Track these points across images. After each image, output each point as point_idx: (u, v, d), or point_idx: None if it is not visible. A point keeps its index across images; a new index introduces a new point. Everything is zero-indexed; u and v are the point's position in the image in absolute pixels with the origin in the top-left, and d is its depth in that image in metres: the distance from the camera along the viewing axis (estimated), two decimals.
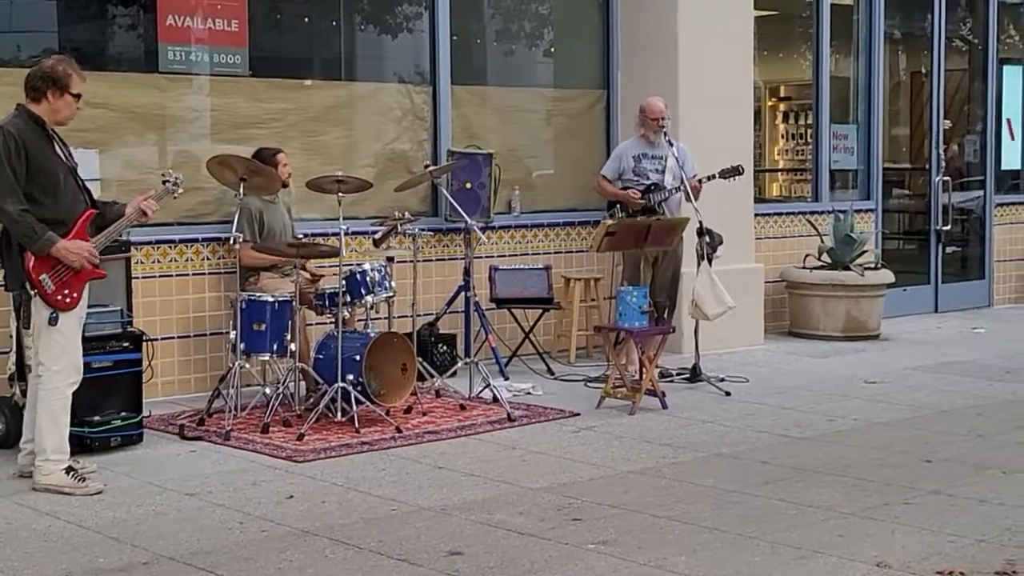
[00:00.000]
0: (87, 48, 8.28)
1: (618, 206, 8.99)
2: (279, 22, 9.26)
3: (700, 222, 8.48)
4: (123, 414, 6.73)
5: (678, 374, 8.81)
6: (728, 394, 8.33)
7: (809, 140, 12.40)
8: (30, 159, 5.87)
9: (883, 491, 5.97)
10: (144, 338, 7.05)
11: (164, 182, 6.42)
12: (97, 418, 6.59)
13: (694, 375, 8.69)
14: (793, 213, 11.57)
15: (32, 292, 5.89)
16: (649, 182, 8.93)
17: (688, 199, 8.66)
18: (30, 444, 6.11)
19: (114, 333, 6.80)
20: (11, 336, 6.69)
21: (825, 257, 11.09)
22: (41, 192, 5.90)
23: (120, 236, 6.42)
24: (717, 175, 8.82)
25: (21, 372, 6.58)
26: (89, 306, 6.43)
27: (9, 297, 6.65)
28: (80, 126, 7.54)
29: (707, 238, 8.49)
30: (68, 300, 5.94)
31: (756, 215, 10.74)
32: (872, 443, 7.01)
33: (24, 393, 6.57)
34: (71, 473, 5.92)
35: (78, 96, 6.05)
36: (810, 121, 12.33)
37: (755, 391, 8.49)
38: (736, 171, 8.86)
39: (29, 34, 8.21)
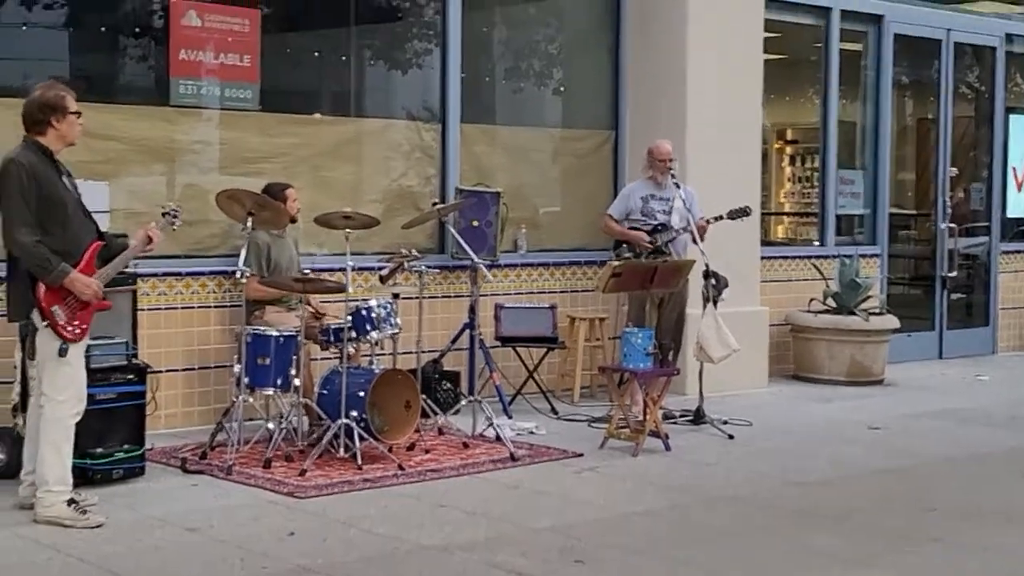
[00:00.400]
0: (97, 79, 8.35)
1: (624, 246, 9.01)
2: (289, 57, 9.31)
3: (706, 264, 8.50)
4: (126, 446, 6.71)
5: (681, 416, 8.80)
6: (731, 437, 8.32)
7: (815, 184, 12.43)
8: (41, 189, 5.90)
9: (886, 537, 5.95)
10: (148, 370, 7.04)
11: (164, 214, 6.44)
12: (100, 450, 6.57)
13: (698, 417, 8.68)
14: (799, 257, 11.58)
15: (43, 323, 5.90)
16: (656, 222, 8.95)
17: (695, 241, 8.68)
18: (31, 476, 6.10)
19: (119, 365, 6.80)
20: (15, 367, 6.68)
21: (830, 301, 11.09)
22: (52, 222, 5.93)
23: (127, 267, 6.42)
24: (725, 215, 8.86)
25: (25, 403, 6.56)
26: (94, 337, 6.44)
27: (15, 327, 6.68)
28: (89, 157, 7.60)
29: (713, 280, 8.51)
30: (78, 331, 5.97)
31: (762, 258, 10.74)
32: (875, 489, 7.00)
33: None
34: (72, 505, 5.90)
35: (78, 113, 6.10)
36: (816, 164, 12.37)
37: (758, 434, 8.47)
38: (743, 212, 8.90)
39: (39, 63, 8.26)
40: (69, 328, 5.94)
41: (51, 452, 5.94)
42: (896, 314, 11.28)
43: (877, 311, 11.10)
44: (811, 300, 11.19)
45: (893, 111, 12.49)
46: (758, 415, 9.12)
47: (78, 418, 6.04)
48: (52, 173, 6.00)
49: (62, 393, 5.96)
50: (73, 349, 5.96)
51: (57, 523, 5.82)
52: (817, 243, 11.96)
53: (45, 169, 5.97)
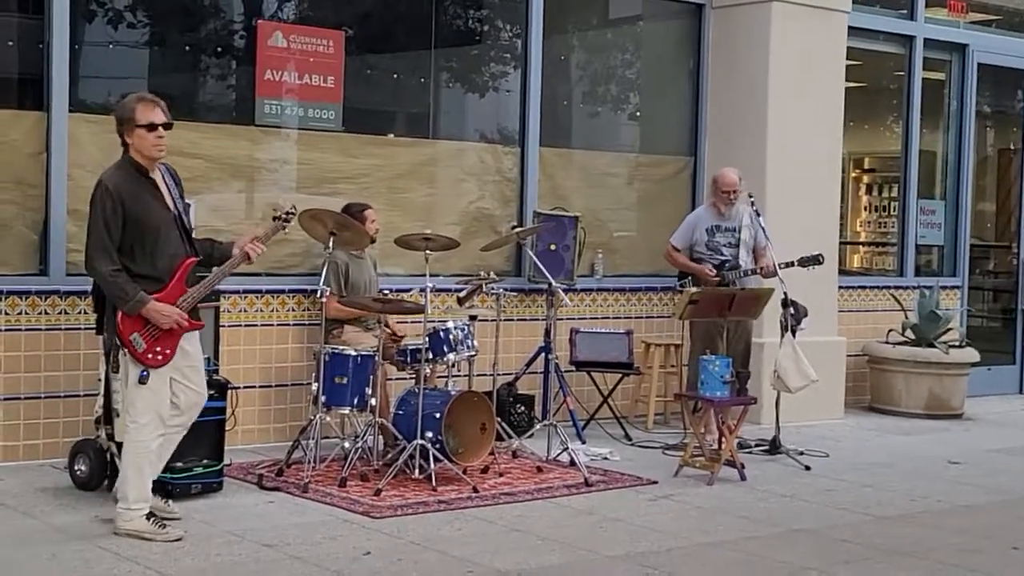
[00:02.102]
0: (184, 98, 8.45)
1: (689, 278, 8.95)
2: (370, 78, 9.39)
3: (785, 293, 8.42)
4: (205, 461, 6.77)
5: (757, 445, 8.72)
6: (808, 468, 8.23)
7: (892, 213, 12.31)
8: (127, 213, 5.84)
9: None
10: (228, 386, 7.11)
11: (275, 218, 6.35)
12: (180, 464, 6.61)
13: (773, 447, 8.59)
14: (877, 287, 11.46)
15: (123, 351, 5.92)
16: (723, 258, 8.87)
17: (770, 275, 8.60)
18: None
19: None
20: (99, 379, 6.79)
21: (909, 333, 10.95)
22: (139, 246, 5.89)
23: (220, 283, 6.35)
24: (796, 263, 8.73)
25: (108, 415, 6.66)
26: None
27: (99, 340, 6.78)
28: None
29: (791, 309, 8.42)
30: (160, 358, 5.94)
31: (839, 287, 10.65)
32: (956, 526, 6.88)
33: (110, 437, 6.66)
34: (151, 519, 5.95)
35: (150, 126, 5.87)
36: (894, 194, 12.25)
37: (835, 466, 8.37)
38: (815, 260, 8.75)
39: (125, 81, 8.40)
40: (150, 355, 5.91)
41: (133, 472, 5.98)
42: (975, 347, 11.11)
43: (957, 344, 10.95)
44: (889, 331, 11.06)
45: (974, 141, 12.34)
46: (835, 447, 9.02)
47: (160, 440, 6.05)
48: (143, 192, 5.93)
49: (143, 416, 5.96)
50: (156, 375, 5.93)
51: (137, 536, 5.88)
52: (896, 273, 11.83)
53: (134, 189, 5.89)
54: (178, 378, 6.07)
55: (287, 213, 6.36)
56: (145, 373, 5.90)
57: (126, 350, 5.90)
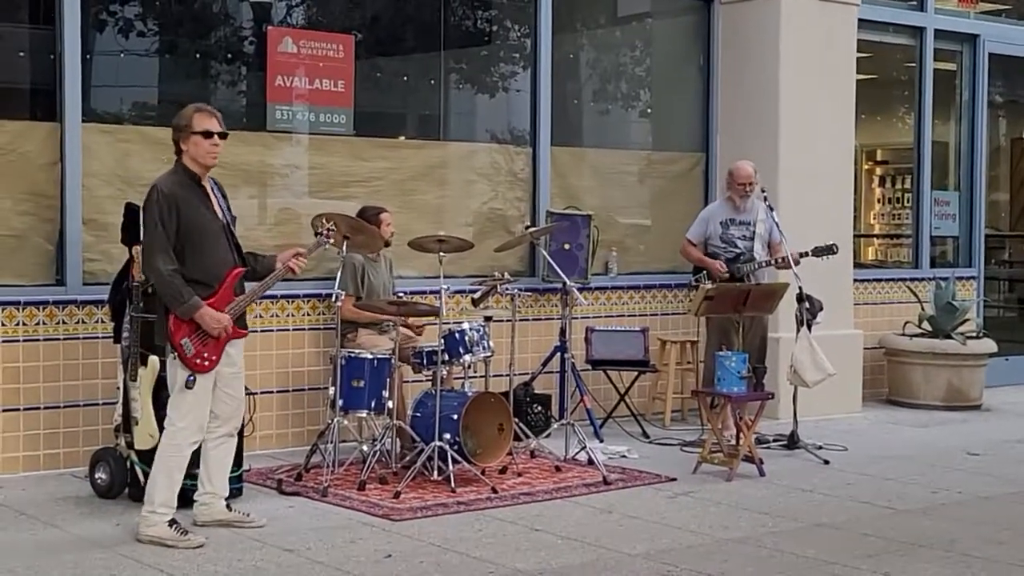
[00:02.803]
0: (191, 104, 8.42)
1: (704, 272, 8.95)
2: (381, 82, 9.40)
3: (800, 288, 8.41)
4: None
5: (775, 440, 8.71)
6: (827, 462, 8.22)
7: (906, 205, 12.28)
8: (181, 217, 5.92)
9: (990, 568, 5.83)
10: (246, 392, 7.10)
11: (317, 234, 6.46)
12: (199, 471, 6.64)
13: (792, 442, 8.58)
14: (892, 280, 11.43)
15: (171, 354, 5.96)
16: (737, 251, 8.87)
17: (790, 267, 8.59)
18: (206, 496, 6.24)
19: None
20: (118, 388, 6.81)
21: (926, 325, 10.92)
22: (191, 251, 5.95)
23: (264, 294, 6.44)
24: (810, 253, 8.72)
25: (127, 423, 6.69)
26: None
27: (117, 349, 6.81)
28: None
29: (807, 304, 8.41)
30: (207, 363, 5.99)
31: (855, 281, 10.63)
32: (977, 517, 6.86)
33: (129, 445, 6.68)
34: (174, 526, 5.98)
35: (207, 134, 6.02)
36: (907, 185, 12.23)
37: (854, 460, 8.36)
38: (829, 250, 8.73)
39: (137, 89, 8.43)
40: (198, 360, 5.96)
41: (163, 476, 6.01)
42: (993, 337, 11.08)
43: (974, 335, 10.92)
44: (906, 323, 11.03)
45: (986, 130, 12.30)
46: (853, 440, 9.01)
47: (194, 447, 6.11)
48: (196, 199, 6.01)
49: (183, 420, 6.02)
50: (201, 380, 5.99)
51: (159, 542, 5.90)
52: (911, 265, 11.80)
53: (187, 195, 5.98)
54: (221, 385, 6.13)
55: (328, 229, 6.48)
56: (192, 378, 5.96)
57: (175, 353, 5.95)
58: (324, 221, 6.60)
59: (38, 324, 7.38)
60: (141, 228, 6.05)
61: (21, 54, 8.03)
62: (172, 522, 5.99)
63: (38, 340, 7.38)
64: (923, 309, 11.05)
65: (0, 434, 7.28)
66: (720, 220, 8.98)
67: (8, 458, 7.30)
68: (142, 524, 5.99)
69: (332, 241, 6.57)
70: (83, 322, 7.50)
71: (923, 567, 5.82)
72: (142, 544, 5.93)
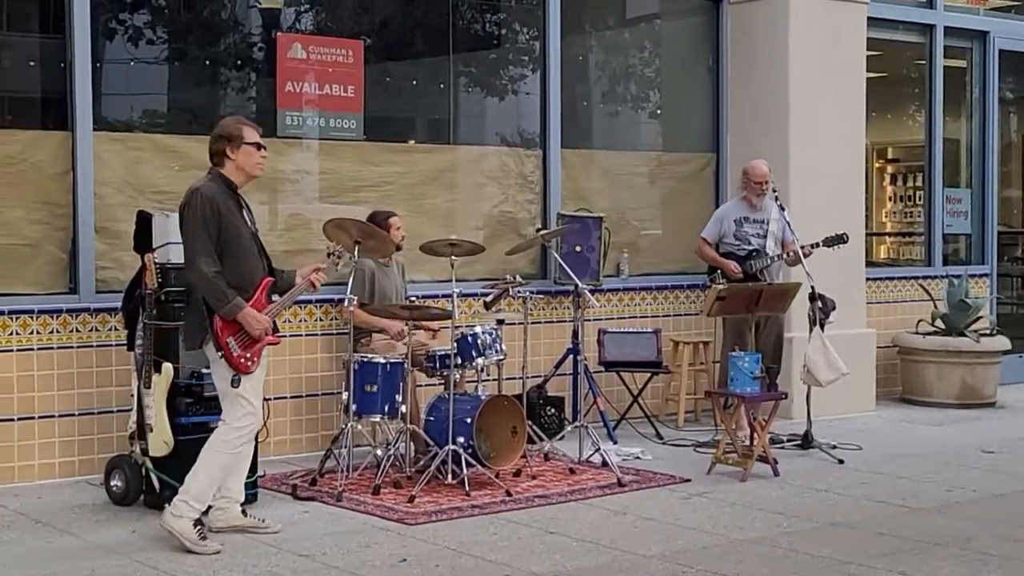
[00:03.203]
0: (205, 112, 8.49)
1: (718, 272, 8.95)
2: (390, 86, 9.41)
3: (812, 287, 8.40)
4: None
5: (789, 440, 8.69)
6: (841, 462, 8.20)
7: (918, 202, 12.26)
8: (222, 221, 6.00)
9: (1006, 566, 5.81)
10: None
11: (329, 255, 6.55)
12: None
13: (806, 442, 8.57)
14: (905, 278, 11.41)
15: (218, 354, 6.01)
16: (750, 248, 8.88)
17: (794, 264, 8.59)
18: (223, 500, 6.27)
19: None
20: (132, 395, 6.83)
21: (939, 323, 10.90)
22: (229, 255, 6.03)
23: (288, 307, 6.54)
24: (821, 243, 8.73)
25: (141, 431, 6.70)
26: (207, 367, 6.53)
27: (130, 357, 6.83)
28: None
29: (819, 303, 8.40)
30: (250, 364, 6.06)
31: (867, 279, 10.61)
32: (992, 515, 6.85)
33: (144, 452, 6.69)
34: (198, 527, 5.99)
35: (258, 145, 6.16)
36: (919, 183, 12.20)
37: (869, 459, 8.34)
38: (840, 239, 8.76)
39: (147, 97, 8.46)
40: (242, 360, 6.03)
41: (206, 470, 6.08)
42: (1006, 334, 11.05)
43: (988, 332, 10.89)
44: (919, 321, 11.01)
45: (998, 127, 12.27)
46: (868, 439, 8.99)
47: (245, 448, 6.21)
48: (233, 206, 6.10)
49: (239, 421, 6.10)
50: (247, 381, 6.06)
51: (178, 538, 5.92)
52: (923, 263, 11.79)
53: (227, 201, 6.07)
54: (256, 385, 6.20)
55: (338, 250, 6.59)
56: (237, 377, 6.03)
57: (222, 354, 6.00)
58: (330, 245, 6.69)
59: (52, 332, 7.41)
60: (181, 231, 6.08)
61: (32, 63, 8.06)
62: (197, 523, 6.01)
63: (52, 348, 7.41)
64: (936, 307, 11.03)
65: (16, 442, 7.30)
66: (734, 218, 8.99)
67: (24, 466, 7.33)
68: (171, 510, 6.01)
69: (342, 261, 6.67)
70: (96, 330, 7.53)
71: (938, 565, 5.81)
72: (161, 538, 5.97)
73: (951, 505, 7.09)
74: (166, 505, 6.09)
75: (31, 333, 7.35)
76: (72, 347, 7.46)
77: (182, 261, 6.22)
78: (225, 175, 6.14)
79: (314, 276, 6.34)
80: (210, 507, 6.26)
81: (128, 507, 6.78)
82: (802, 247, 8.64)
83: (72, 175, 7.57)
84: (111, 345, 7.50)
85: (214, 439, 6.14)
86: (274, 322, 6.28)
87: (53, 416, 7.40)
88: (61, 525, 6.46)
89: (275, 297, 6.31)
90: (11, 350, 7.29)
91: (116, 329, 7.46)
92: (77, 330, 7.48)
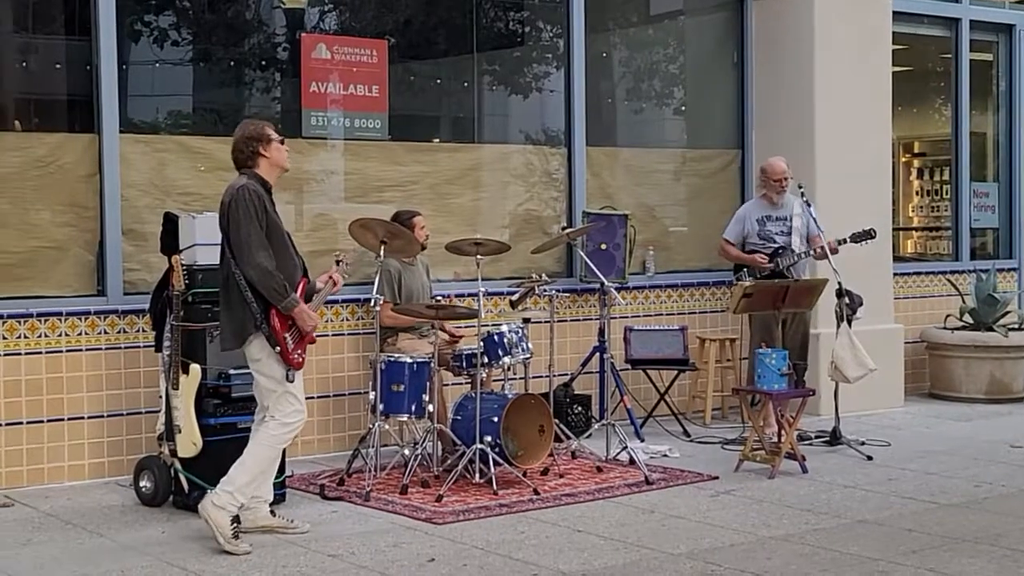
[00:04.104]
0: (230, 113, 8.51)
1: (745, 269, 8.92)
2: (414, 86, 9.42)
3: (839, 283, 8.37)
4: None
5: (817, 437, 8.66)
6: (870, 458, 8.17)
7: (945, 197, 12.20)
8: (268, 218, 6.04)
9: None
10: None
11: (337, 262, 6.59)
12: None
13: (834, 438, 8.53)
14: (932, 273, 11.36)
15: (275, 348, 6.04)
16: (776, 245, 8.85)
17: (826, 258, 8.55)
18: (255, 500, 6.27)
19: None
20: (160, 396, 6.86)
21: (967, 317, 10.85)
22: (275, 254, 6.05)
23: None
24: (848, 239, 8.69)
25: (170, 432, 6.73)
26: (235, 367, 6.59)
27: (158, 358, 6.86)
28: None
29: (847, 299, 8.37)
30: (301, 360, 6.15)
31: (894, 274, 10.57)
32: (1022, 511, 6.80)
33: (173, 453, 6.72)
34: (235, 525, 6.00)
35: (281, 140, 6.25)
36: (945, 177, 12.14)
37: (897, 455, 8.31)
38: (867, 235, 8.71)
39: (172, 98, 8.49)
40: (295, 355, 6.10)
41: (253, 463, 6.12)
42: None
43: (1016, 326, 10.83)
44: (947, 316, 10.96)
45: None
46: (896, 435, 8.96)
47: (287, 444, 6.30)
48: (270, 204, 6.14)
49: (290, 417, 6.16)
50: (297, 377, 6.13)
51: (212, 529, 5.94)
52: (951, 258, 11.73)
53: (267, 198, 6.11)
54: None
55: (344, 258, 6.67)
56: (291, 372, 6.08)
57: (279, 348, 6.04)
58: (337, 254, 6.77)
59: (80, 335, 7.45)
60: (230, 228, 6.03)
61: (58, 66, 8.11)
62: (236, 520, 6.02)
63: (80, 350, 7.45)
64: (964, 302, 10.97)
65: (45, 444, 7.35)
66: (756, 218, 8.96)
67: (53, 468, 7.38)
68: (213, 499, 6.02)
69: (350, 264, 6.78)
70: (124, 332, 7.57)
71: (968, 562, 5.78)
72: (190, 538, 6.01)
73: (980, 501, 7.05)
74: (209, 491, 6.10)
75: (60, 335, 7.39)
76: (100, 349, 7.50)
77: (218, 261, 6.19)
78: (260, 175, 6.17)
79: (335, 274, 6.43)
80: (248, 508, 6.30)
81: (157, 508, 6.82)
82: (828, 243, 8.61)
83: (99, 177, 7.61)
84: (139, 347, 7.54)
85: (263, 434, 6.16)
86: None
87: (82, 418, 7.45)
88: (91, 526, 6.49)
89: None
90: (40, 352, 7.33)
91: (144, 331, 7.50)
92: (105, 332, 7.52)
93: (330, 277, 6.41)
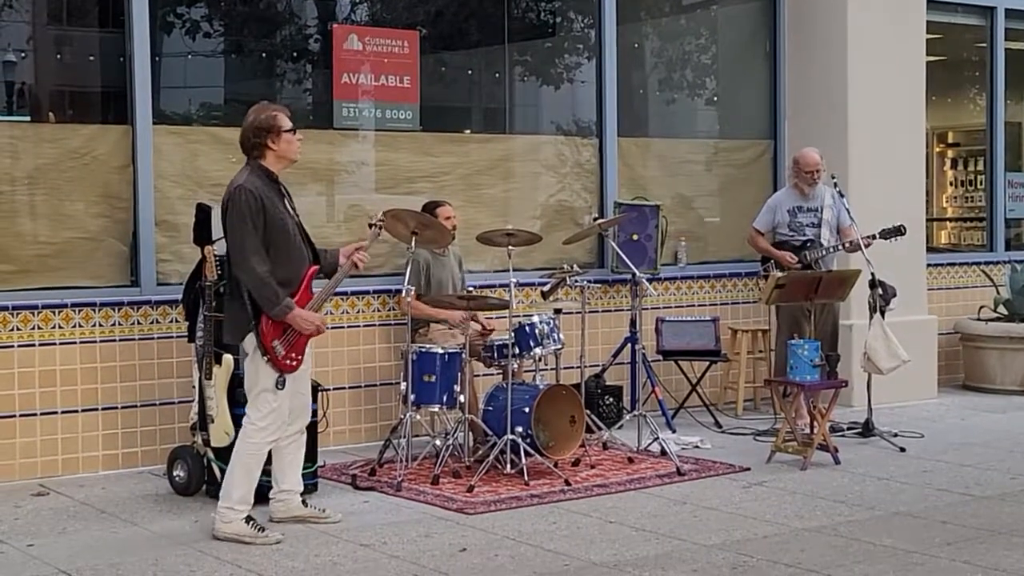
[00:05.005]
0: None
1: (772, 261, 8.89)
2: (446, 76, 9.42)
3: (872, 274, 8.32)
4: None
5: (849, 428, 8.62)
6: (903, 450, 8.13)
7: (979, 187, 12.11)
8: (267, 216, 5.94)
9: None
10: (319, 389, 7.16)
11: (370, 226, 6.47)
12: None
13: (867, 430, 8.49)
14: (967, 263, 11.28)
15: (263, 358, 5.98)
16: (805, 238, 8.80)
17: (852, 251, 8.50)
18: (282, 493, 6.29)
19: None
20: (194, 387, 6.89)
21: (1001, 309, 10.77)
22: (275, 251, 5.96)
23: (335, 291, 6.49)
24: (878, 235, 8.62)
25: (203, 422, 6.76)
26: None
27: (191, 348, 6.89)
28: None
29: (880, 290, 8.32)
30: (294, 363, 6.05)
31: (928, 265, 10.50)
32: None
33: (206, 443, 6.75)
34: (251, 523, 6.03)
35: (293, 130, 6.11)
36: (980, 167, 12.05)
37: (931, 447, 8.26)
38: (897, 231, 8.63)
39: (205, 90, 8.53)
40: (287, 361, 6.01)
41: (242, 473, 6.06)
42: None
43: None
44: (981, 308, 10.89)
45: None
46: (929, 427, 8.90)
47: (273, 445, 6.15)
48: (276, 197, 6.04)
49: (264, 420, 6.05)
50: (289, 380, 6.05)
51: (236, 539, 5.96)
52: (985, 248, 11.65)
53: (270, 193, 6.00)
54: (294, 384, 6.15)
55: (380, 220, 6.50)
56: (282, 379, 6.00)
57: (267, 357, 5.97)
58: (373, 215, 6.60)
59: (114, 325, 7.49)
60: (226, 229, 6.01)
61: (91, 58, 8.15)
62: (249, 519, 6.04)
63: (114, 341, 7.49)
64: (998, 293, 10.90)
65: (80, 434, 7.40)
66: (787, 208, 8.92)
67: (88, 457, 7.43)
68: (219, 521, 6.04)
69: (383, 229, 6.56)
70: (157, 322, 7.60)
71: (1003, 554, 5.74)
72: (219, 541, 5.98)
73: (1015, 493, 7.00)
74: (214, 516, 6.08)
75: (93, 326, 7.44)
76: (134, 339, 7.54)
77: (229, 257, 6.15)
78: (265, 166, 6.07)
79: (356, 256, 6.26)
80: (270, 499, 6.31)
81: (190, 497, 6.85)
82: (859, 240, 8.53)
83: (132, 168, 7.65)
84: (172, 337, 7.57)
85: (241, 442, 6.09)
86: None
87: (116, 408, 7.49)
88: (125, 515, 6.53)
89: (316, 289, 6.22)
90: (74, 342, 7.38)
91: (177, 321, 7.54)
92: (138, 322, 7.56)
93: (352, 259, 6.26)
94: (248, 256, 5.88)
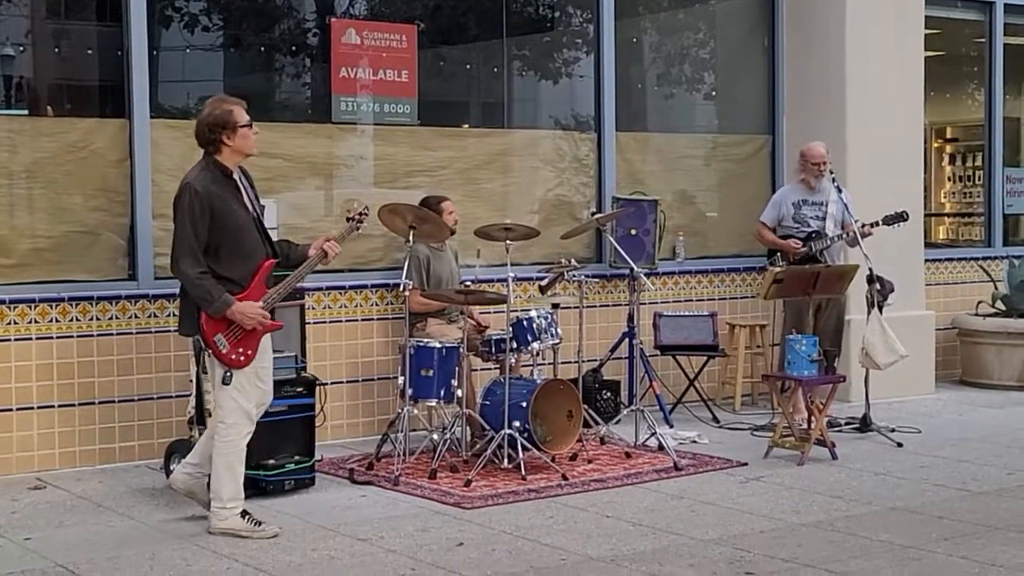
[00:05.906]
0: (261, 99, 8.55)
1: (778, 254, 8.90)
2: (444, 71, 9.42)
3: (870, 269, 8.33)
4: (296, 458, 6.84)
5: (847, 423, 8.63)
6: (900, 445, 8.13)
7: (977, 183, 12.11)
8: (215, 215, 5.88)
9: None
10: (316, 383, 7.16)
11: (348, 219, 6.42)
12: (272, 461, 6.71)
13: (864, 425, 8.50)
14: (964, 259, 11.28)
15: (206, 352, 5.98)
16: (810, 229, 8.81)
17: (857, 244, 8.51)
18: (194, 468, 6.19)
19: (289, 378, 6.88)
20: (191, 380, 6.89)
21: (999, 304, 10.77)
22: (224, 248, 5.92)
23: (300, 283, 6.43)
24: (880, 222, 8.65)
25: (201, 415, 6.76)
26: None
27: (189, 342, 6.89)
28: (255, 175, 7.77)
29: (877, 285, 8.32)
30: (243, 358, 5.98)
31: (926, 261, 10.49)
32: None
33: None
34: (246, 517, 6.02)
35: (249, 125, 6.03)
36: (978, 163, 12.05)
37: (928, 442, 8.26)
38: (900, 217, 8.68)
39: (203, 84, 8.51)
40: (233, 356, 5.95)
41: (225, 471, 6.03)
42: None
43: None
44: (979, 303, 10.89)
45: None
46: (927, 422, 8.90)
47: (248, 438, 6.10)
48: (228, 194, 5.98)
49: (230, 417, 6.01)
50: (240, 375, 5.97)
51: (233, 534, 5.95)
52: (983, 244, 11.65)
53: (220, 191, 5.94)
54: (252, 378, 6.08)
55: (360, 214, 6.43)
56: (228, 374, 5.96)
57: (209, 352, 5.97)
58: (355, 206, 6.54)
59: (111, 319, 7.49)
60: (174, 225, 5.97)
61: (89, 51, 8.14)
62: (244, 513, 6.03)
63: (111, 334, 7.49)
64: (996, 288, 10.90)
65: (77, 427, 7.40)
66: (792, 201, 8.93)
67: (85, 451, 7.43)
68: (213, 520, 6.03)
69: (363, 226, 6.50)
70: (155, 316, 7.60)
71: (1000, 550, 5.74)
72: (217, 536, 5.98)
73: (1012, 489, 7.00)
74: (210, 517, 6.06)
75: (91, 319, 7.43)
76: (131, 333, 7.54)
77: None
78: (220, 161, 6.00)
79: (326, 245, 6.19)
80: (180, 465, 6.24)
81: None
82: (862, 226, 8.57)
83: (130, 162, 7.65)
84: (169, 331, 7.56)
85: (217, 442, 6.03)
86: (272, 309, 6.10)
87: (113, 401, 7.49)
88: (122, 509, 6.54)
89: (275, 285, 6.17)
90: (71, 336, 7.38)
91: (174, 315, 7.51)
92: (136, 316, 7.56)
93: (321, 247, 6.20)
94: (180, 257, 5.87)
